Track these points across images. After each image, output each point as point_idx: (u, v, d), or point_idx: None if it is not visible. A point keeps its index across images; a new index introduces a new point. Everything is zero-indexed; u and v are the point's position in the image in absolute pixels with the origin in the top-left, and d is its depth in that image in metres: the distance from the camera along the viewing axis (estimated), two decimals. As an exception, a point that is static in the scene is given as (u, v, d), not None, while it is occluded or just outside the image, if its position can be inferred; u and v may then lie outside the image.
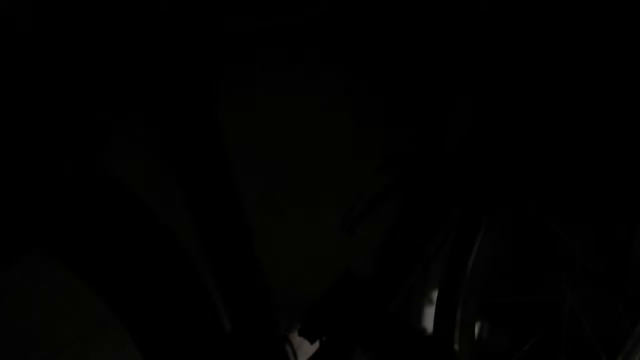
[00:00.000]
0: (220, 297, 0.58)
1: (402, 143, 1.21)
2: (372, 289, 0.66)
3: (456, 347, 0.79)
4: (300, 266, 0.99)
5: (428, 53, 0.79)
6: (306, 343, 0.64)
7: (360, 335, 0.62)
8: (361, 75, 0.95)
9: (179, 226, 0.55)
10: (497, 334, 1.22)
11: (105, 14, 0.46)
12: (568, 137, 0.73)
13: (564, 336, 1.22)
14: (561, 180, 0.79)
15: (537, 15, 0.68)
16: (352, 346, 0.61)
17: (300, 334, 0.64)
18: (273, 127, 0.94)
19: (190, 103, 0.51)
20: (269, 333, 0.60)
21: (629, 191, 0.79)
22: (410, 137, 1.13)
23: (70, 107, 0.46)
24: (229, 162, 0.54)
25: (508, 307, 1.15)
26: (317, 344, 0.65)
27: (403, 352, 0.60)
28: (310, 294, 0.65)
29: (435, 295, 0.79)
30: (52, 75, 0.48)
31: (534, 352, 1.17)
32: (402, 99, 1.13)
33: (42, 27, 0.49)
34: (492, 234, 0.79)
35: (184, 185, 0.54)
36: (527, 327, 1.23)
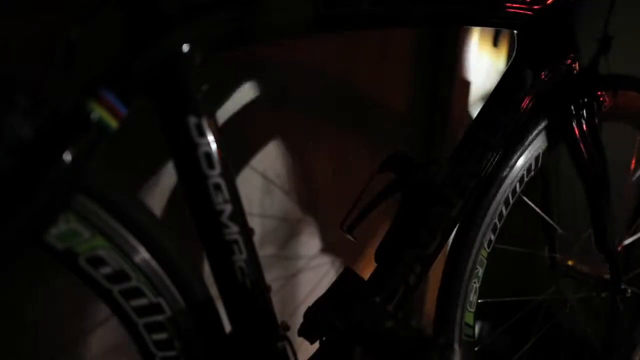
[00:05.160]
0: (220, 297, 0.58)
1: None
2: (372, 289, 0.66)
3: (456, 347, 0.79)
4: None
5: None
6: (306, 343, 0.64)
7: (360, 335, 0.62)
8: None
9: (179, 225, 0.55)
10: (497, 334, 1.22)
11: None
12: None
13: (564, 336, 1.22)
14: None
15: None
16: (352, 346, 0.61)
17: (300, 334, 0.64)
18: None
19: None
20: (269, 333, 0.60)
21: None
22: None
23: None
24: (229, 162, 0.54)
25: (508, 307, 1.15)
26: (317, 344, 0.65)
27: (403, 352, 0.60)
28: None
29: (436, 295, 0.79)
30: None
31: (534, 352, 1.17)
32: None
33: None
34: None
35: (184, 184, 0.54)
36: (527, 327, 1.23)
